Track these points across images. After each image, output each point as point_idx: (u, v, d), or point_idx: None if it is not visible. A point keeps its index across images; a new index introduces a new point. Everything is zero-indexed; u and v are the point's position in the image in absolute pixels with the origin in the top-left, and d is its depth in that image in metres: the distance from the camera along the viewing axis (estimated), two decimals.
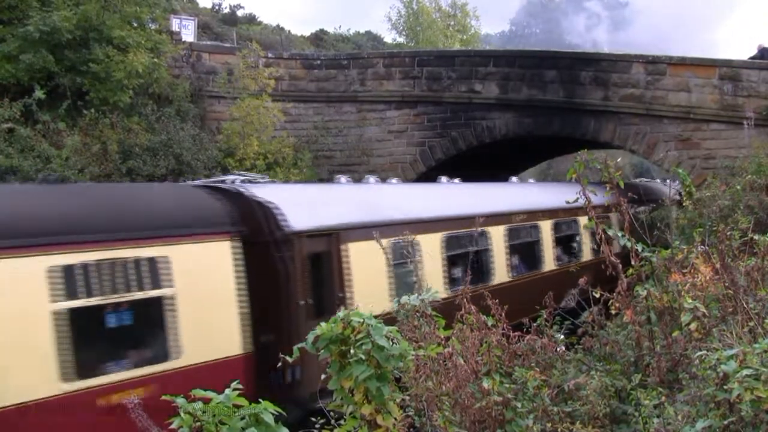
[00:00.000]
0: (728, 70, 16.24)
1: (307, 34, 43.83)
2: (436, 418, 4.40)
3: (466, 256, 11.63)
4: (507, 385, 4.56)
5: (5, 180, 13.26)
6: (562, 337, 5.86)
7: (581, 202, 5.44)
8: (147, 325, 7.43)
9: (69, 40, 15.70)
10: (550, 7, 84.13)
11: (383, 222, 9.81)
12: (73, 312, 6.62)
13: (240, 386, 3.16)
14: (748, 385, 3.30)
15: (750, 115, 15.28)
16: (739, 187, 10.98)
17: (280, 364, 4.00)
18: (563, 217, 14.39)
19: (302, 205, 9.43)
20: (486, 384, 4.32)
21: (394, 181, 13.70)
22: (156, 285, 7.30)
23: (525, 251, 13.53)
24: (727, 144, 16.12)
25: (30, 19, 15.25)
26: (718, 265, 5.04)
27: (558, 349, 5.50)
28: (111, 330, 7.08)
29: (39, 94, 14.92)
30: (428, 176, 16.90)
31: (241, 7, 44.87)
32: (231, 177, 9.86)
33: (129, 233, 7.26)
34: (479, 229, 11.58)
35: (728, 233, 5.66)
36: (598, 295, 5.44)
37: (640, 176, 34.81)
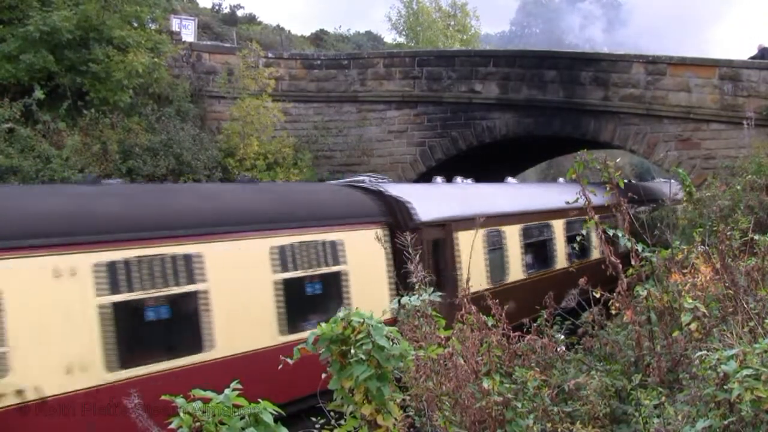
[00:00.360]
0: (728, 70, 16.22)
1: (307, 34, 43.86)
2: (436, 418, 4.40)
3: (537, 245, 13.88)
4: (507, 385, 4.55)
5: (5, 180, 13.24)
6: (563, 337, 5.86)
7: (581, 202, 5.47)
8: (330, 293, 9.40)
9: (69, 40, 15.65)
10: (550, 7, 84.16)
11: (479, 215, 11.48)
12: (285, 282, 8.63)
13: (239, 386, 3.17)
14: (748, 385, 3.30)
15: (750, 115, 15.25)
16: (739, 187, 10.97)
17: (281, 365, 4.00)
18: (605, 213, 15.03)
19: (424, 201, 11.22)
20: (486, 384, 4.32)
21: (458, 180, 14.64)
22: (336, 262, 9.38)
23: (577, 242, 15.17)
24: (727, 144, 16.10)
25: (30, 19, 15.21)
26: (718, 265, 5.04)
27: (558, 349, 5.50)
28: (308, 296, 9.11)
29: (39, 94, 14.88)
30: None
31: (241, 7, 44.92)
32: (365, 177, 11.94)
33: (317, 222, 9.34)
34: (546, 221, 14.03)
35: (728, 233, 5.66)
36: (598, 295, 5.45)
37: (641, 176, 34.84)
